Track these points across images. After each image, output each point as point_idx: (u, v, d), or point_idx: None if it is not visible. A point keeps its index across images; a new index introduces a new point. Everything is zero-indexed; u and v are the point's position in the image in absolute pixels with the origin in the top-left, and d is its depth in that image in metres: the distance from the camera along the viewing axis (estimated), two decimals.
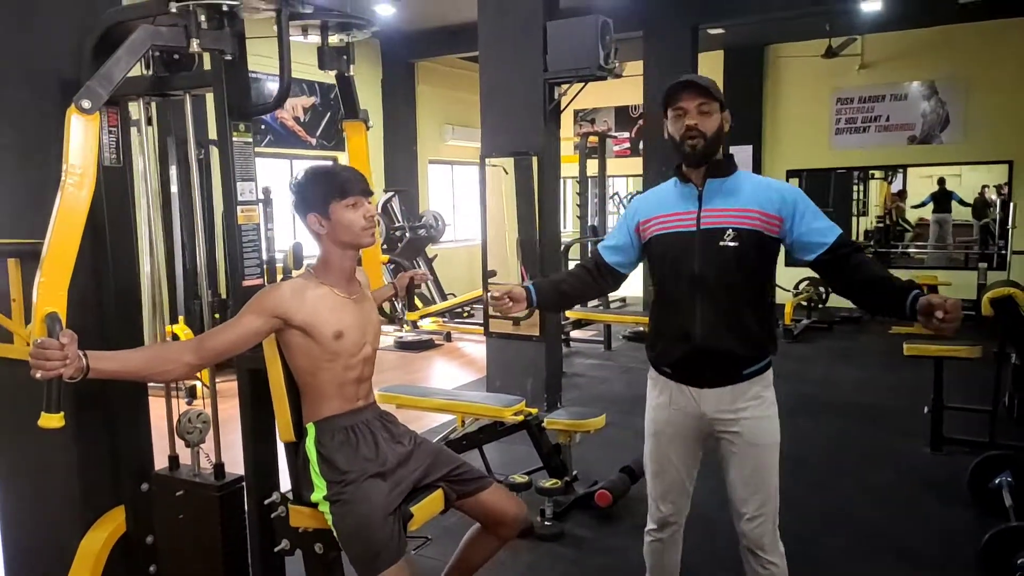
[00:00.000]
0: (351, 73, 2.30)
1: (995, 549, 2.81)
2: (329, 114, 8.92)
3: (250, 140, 2.10)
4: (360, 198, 2.01)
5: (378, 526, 1.88)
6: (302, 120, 8.55)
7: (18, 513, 2.68)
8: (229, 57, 1.94)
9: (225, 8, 1.86)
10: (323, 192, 1.98)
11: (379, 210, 8.55)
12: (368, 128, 2.48)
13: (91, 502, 2.49)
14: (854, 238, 11.01)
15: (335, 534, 1.95)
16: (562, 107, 5.23)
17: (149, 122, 2.47)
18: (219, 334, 1.90)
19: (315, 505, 1.98)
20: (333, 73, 2.33)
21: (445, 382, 6.58)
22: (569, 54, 4.87)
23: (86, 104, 1.74)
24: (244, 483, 2.30)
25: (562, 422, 3.66)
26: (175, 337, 2.57)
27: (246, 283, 2.12)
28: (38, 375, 1.60)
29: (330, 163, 2.00)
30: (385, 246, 8.40)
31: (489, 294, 2.18)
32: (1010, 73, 8.84)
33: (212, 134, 2.19)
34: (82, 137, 1.76)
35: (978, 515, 3.42)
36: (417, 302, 8.52)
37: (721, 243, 2.00)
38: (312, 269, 2.05)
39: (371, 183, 2.15)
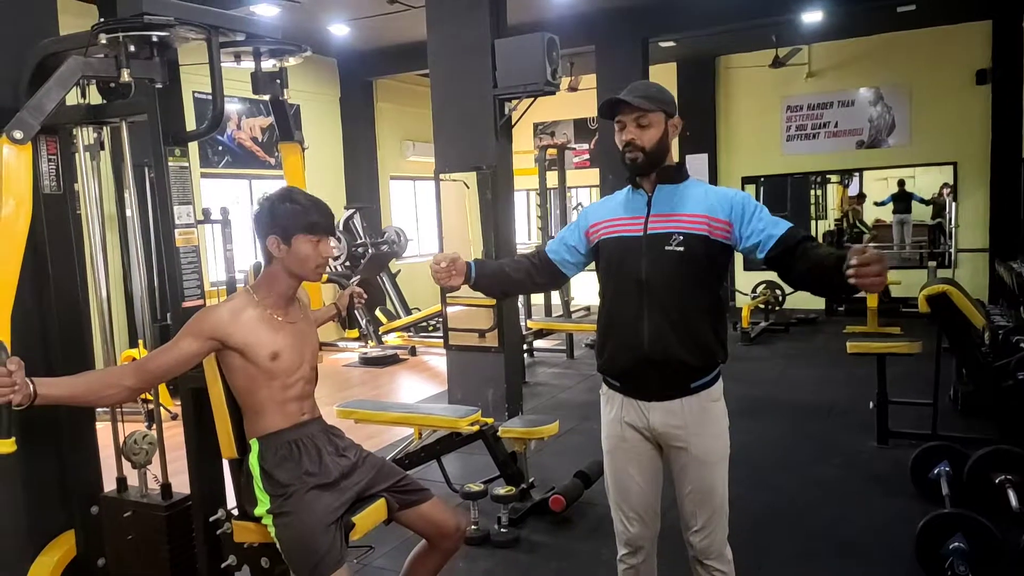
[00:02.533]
0: (284, 97, 2.36)
1: (929, 536, 2.91)
2: None
3: (186, 164, 2.15)
4: (324, 237, 2.05)
5: (319, 536, 1.92)
6: (259, 140, 8.55)
7: None
8: (160, 85, 1.99)
9: (154, 39, 1.91)
10: (292, 221, 2.00)
11: (341, 227, 8.58)
12: (304, 149, 2.52)
13: (40, 526, 2.50)
14: None
15: (278, 546, 1.99)
16: (513, 122, 5.32)
17: (102, 146, 2.50)
18: (158, 357, 1.94)
19: (259, 519, 2.02)
20: (267, 97, 2.38)
21: (409, 396, 6.62)
22: (517, 70, 4.97)
23: (17, 135, 1.78)
24: (191, 502, 2.33)
25: (516, 430, 3.72)
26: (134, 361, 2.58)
27: (186, 304, 2.16)
28: None
29: (302, 192, 2.03)
30: (347, 263, 8.43)
31: (432, 261, 2.13)
32: (951, 77, 9.15)
33: None
34: (15, 166, 1.81)
35: (919, 504, 3.53)
36: (381, 317, 8.56)
37: (667, 248, 1.99)
38: (253, 287, 2.09)
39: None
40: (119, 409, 2.45)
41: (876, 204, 12.07)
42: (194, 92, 6.69)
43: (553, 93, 5.04)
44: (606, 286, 2.14)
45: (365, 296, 2.77)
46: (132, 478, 2.51)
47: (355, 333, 8.27)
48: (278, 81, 2.34)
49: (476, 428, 3.72)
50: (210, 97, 2.05)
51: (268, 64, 2.31)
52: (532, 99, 5.13)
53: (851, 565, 3.11)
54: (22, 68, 2.24)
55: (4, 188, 1.79)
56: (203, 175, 7.91)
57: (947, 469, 3.58)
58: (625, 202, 2.13)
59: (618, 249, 2.09)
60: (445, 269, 2.11)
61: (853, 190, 12.64)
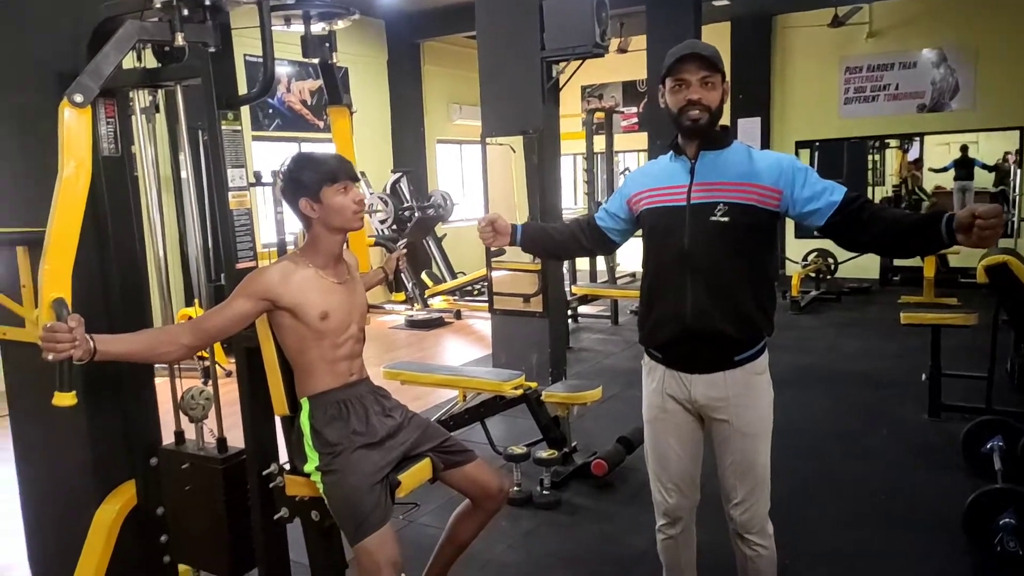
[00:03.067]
0: (333, 60, 2.37)
1: (978, 511, 2.87)
2: None
3: (239, 128, 2.19)
4: (349, 183, 2.08)
5: (364, 495, 1.98)
6: (309, 103, 8.63)
7: (36, 488, 2.82)
8: (213, 49, 2.02)
9: (207, 2, 1.94)
10: (314, 177, 2.05)
11: (387, 190, 8.64)
12: (352, 113, 2.54)
13: (103, 476, 2.61)
14: None
15: (326, 502, 2.05)
16: (560, 85, 5.26)
17: (157, 109, 2.56)
18: (212, 317, 2.00)
19: (308, 475, 2.09)
20: (317, 60, 2.40)
21: (454, 359, 6.70)
22: (565, 32, 4.90)
23: (78, 98, 1.83)
24: (245, 456, 2.41)
25: (559, 395, 3.75)
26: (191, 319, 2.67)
27: (239, 266, 2.21)
28: (50, 357, 1.72)
29: (313, 152, 2.09)
30: (394, 226, 8.50)
31: (477, 222, 2.23)
32: (1019, 39, 8.72)
33: None
34: (76, 129, 1.86)
35: (969, 479, 3.48)
36: (427, 280, 8.64)
37: (712, 218, 1.94)
38: (300, 251, 2.14)
39: (356, 166, 2.23)
40: (177, 365, 2.53)
41: (934, 170, 11.66)
42: (245, 55, 6.75)
43: (602, 55, 4.96)
44: (649, 256, 2.11)
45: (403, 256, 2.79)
46: (189, 432, 2.60)
47: (402, 296, 8.37)
48: (327, 44, 2.35)
49: (520, 392, 3.76)
50: (261, 60, 2.08)
51: (317, 27, 2.31)
52: (580, 61, 5.06)
53: (897, 537, 3.08)
54: (79, 33, 2.28)
55: (65, 151, 1.85)
56: (254, 138, 8.03)
57: (1000, 444, 3.50)
58: (667, 170, 2.08)
59: (661, 219, 2.04)
60: (487, 229, 2.21)
61: (913, 155, 12.22)
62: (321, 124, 8.73)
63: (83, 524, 2.59)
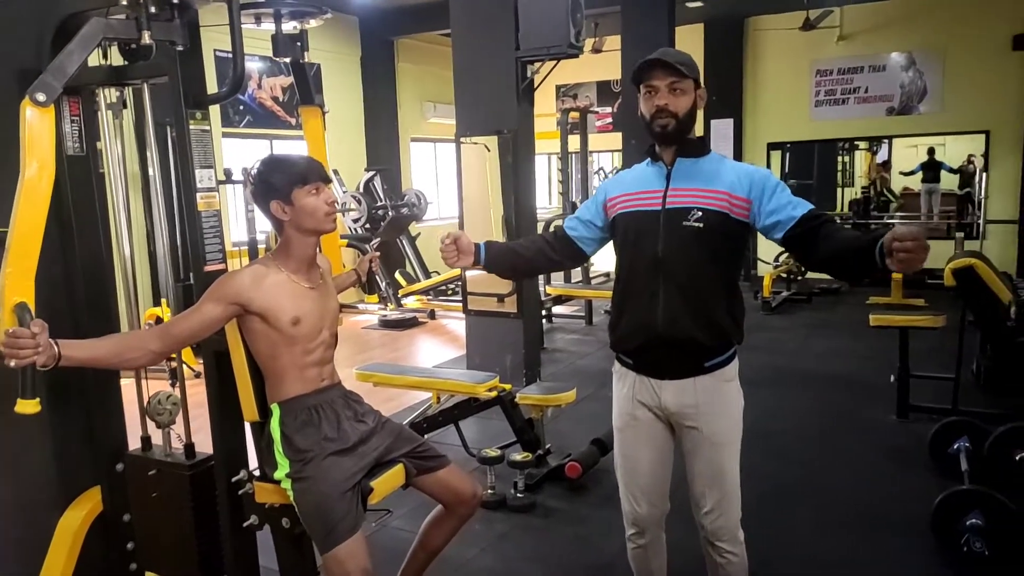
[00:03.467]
0: (305, 60, 2.33)
1: (946, 512, 2.91)
2: None
3: (207, 127, 2.14)
4: (321, 184, 2.05)
5: (335, 502, 1.95)
6: (280, 100, 8.53)
7: (1, 492, 2.74)
8: (181, 48, 1.98)
9: (175, 0, 1.89)
10: (285, 179, 2.02)
11: (361, 189, 8.57)
12: (324, 113, 2.50)
13: (68, 482, 2.55)
14: (839, 210, 11.12)
15: (296, 509, 2.02)
16: (535, 85, 5.25)
17: (124, 105, 2.50)
18: (181, 322, 1.96)
19: (278, 482, 2.05)
20: (288, 60, 2.36)
21: (428, 359, 6.66)
22: (540, 32, 4.88)
23: (40, 97, 1.78)
24: (213, 462, 2.36)
25: (533, 397, 3.74)
26: (158, 319, 2.61)
27: (208, 268, 2.16)
28: (12, 363, 1.67)
29: (284, 154, 2.06)
30: (367, 225, 8.43)
31: (440, 240, 2.14)
32: (986, 43, 8.89)
33: None
34: (38, 128, 1.81)
35: (937, 480, 3.53)
36: (400, 280, 8.59)
37: (685, 223, 1.94)
38: (272, 255, 2.10)
39: (327, 167, 2.20)
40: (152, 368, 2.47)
41: (904, 173, 11.85)
42: (215, 50, 6.65)
43: (577, 56, 4.95)
44: (622, 261, 2.11)
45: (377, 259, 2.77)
46: (156, 437, 2.55)
47: (375, 299, 8.33)
48: (298, 44, 2.31)
49: (494, 394, 3.74)
50: (231, 56, 2.04)
51: (289, 26, 2.27)
52: (555, 62, 5.05)
53: (866, 539, 3.11)
54: (44, 28, 2.22)
55: (27, 150, 1.79)
56: (224, 135, 7.92)
57: (967, 445, 3.56)
58: (643, 175, 2.08)
59: (635, 223, 2.04)
60: (449, 247, 2.11)
61: (881, 157, 12.42)
62: (293, 121, 8.64)
63: (47, 531, 2.52)
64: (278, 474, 2.04)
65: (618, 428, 2.17)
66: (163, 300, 5.27)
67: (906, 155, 12.05)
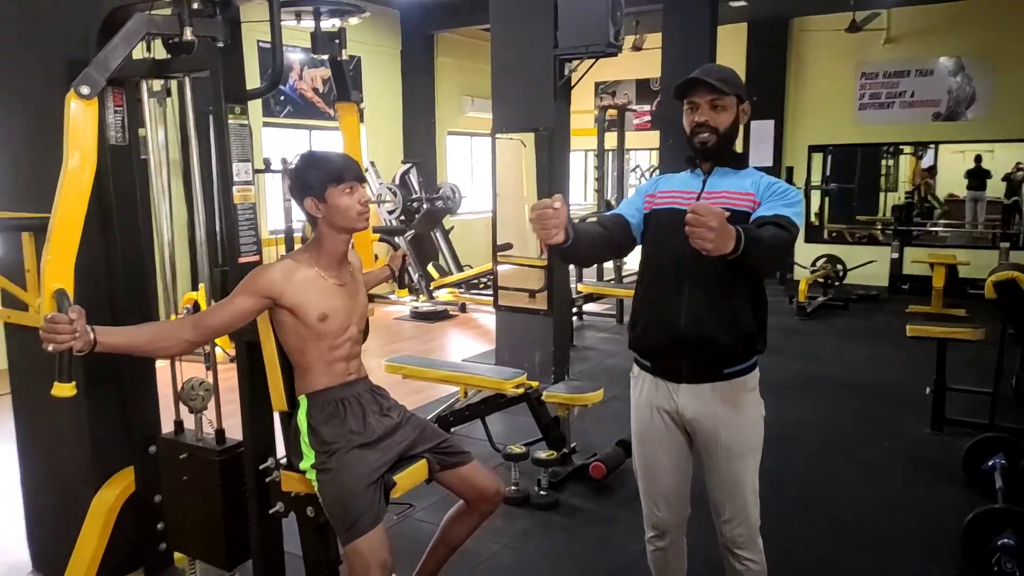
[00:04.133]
0: (343, 57, 2.36)
1: (977, 530, 2.85)
2: None
3: (246, 122, 2.18)
4: (355, 183, 2.08)
5: (358, 495, 1.98)
6: (320, 91, 8.62)
7: (35, 470, 2.84)
8: (221, 44, 2.02)
9: None
10: (320, 177, 2.05)
11: (396, 181, 8.64)
12: (361, 110, 2.53)
13: (102, 462, 2.64)
14: (881, 215, 10.89)
15: (320, 500, 2.06)
16: (572, 84, 5.24)
17: (168, 93, 2.56)
18: (214, 313, 2.01)
19: (304, 472, 2.09)
20: (327, 56, 2.39)
21: (458, 352, 6.70)
22: (579, 30, 4.86)
23: (84, 90, 1.83)
24: (243, 449, 2.42)
25: (560, 395, 3.75)
26: (196, 304, 2.65)
27: (242, 260, 2.21)
28: (50, 348, 1.72)
29: (322, 151, 2.10)
30: (402, 217, 8.50)
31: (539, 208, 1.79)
32: None
33: None
34: (82, 121, 1.86)
35: (969, 496, 3.45)
36: (433, 272, 8.64)
37: None
38: (304, 250, 2.14)
39: (362, 163, 2.22)
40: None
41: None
42: (258, 41, 6.74)
43: (615, 55, 4.93)
44: (648, 258, 2.10)
45: (407, 256, 2.80)
46: (188, 422, 2.62)
47: (405, 292, 8.39)
48: (337, 41, 2.34)
49: (521, 391, 3.76)
50: (270, 47, 2.07)
51: (328, 24, 2.30)
52: (593, 60, 5.03)
53: (893, 553, 3.07)
54: (90, 22, 2.29)
55: (71, 142, 1.85)
56: (264, 124, 8.03)
57: (1002, 462, 3.48)
58: (683, 180, 2.11)
59: (667, 220, 2.03)
60: (551, 216, 1.78)
61: (927, 163, 12.13)
62: (332, 113, 8.71)
63: (81, 508, 2.61)
64: (303, 464, 2.08)
65: (636, 434, 2.17)
66: (201, 286, 5.37)
67: (952, 161, 11.75)
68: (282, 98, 8.22)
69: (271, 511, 2.26)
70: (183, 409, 2.59)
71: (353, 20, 2.32)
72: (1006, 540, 2.76)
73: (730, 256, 1.65)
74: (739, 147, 2.12)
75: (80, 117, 1.85)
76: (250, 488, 2.34)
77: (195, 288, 6.67)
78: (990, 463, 3.52)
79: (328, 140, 8.85)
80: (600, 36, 4.80)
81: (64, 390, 1.79)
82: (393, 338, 7.18)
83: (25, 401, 2.79)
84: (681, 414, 2.04)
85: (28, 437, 2.83)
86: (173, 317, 2.62)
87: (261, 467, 2.27)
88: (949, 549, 2.96)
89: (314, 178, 2.05)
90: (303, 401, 2.12)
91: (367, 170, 8.67)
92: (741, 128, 2.07)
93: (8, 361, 2.82)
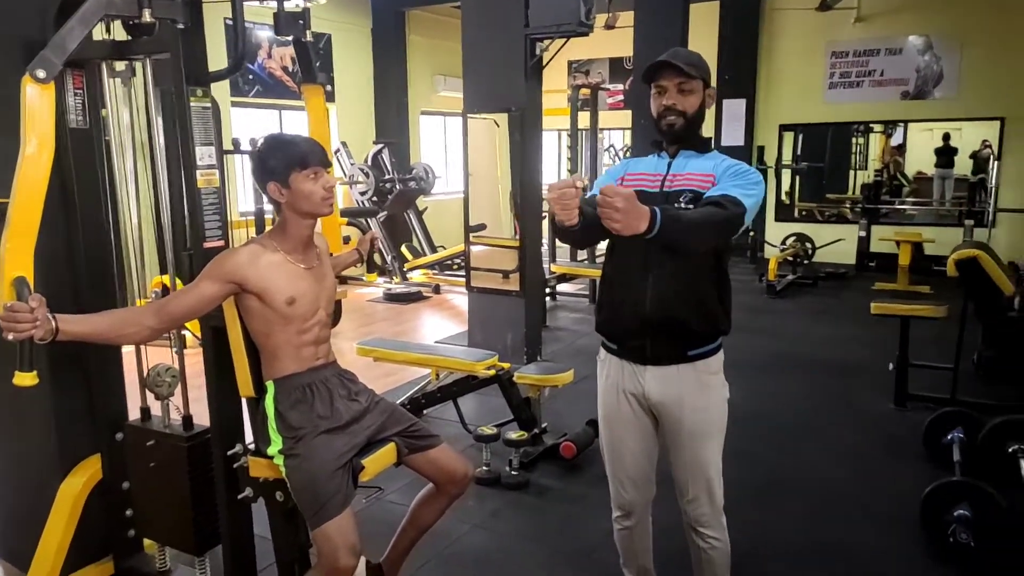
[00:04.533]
0: (308, 38, 2.33)
1: (934, 502, 2.93)
2: (318, 63, 8.85)
3: (208, 105, 2.16)
4: (320, 168, 2.06)
5: (325, 480, 1.99)
6: (290, 70, 8.49)
7: (1, 461, 2.81)
8: (181, 26, 1.98)
9: None
10: (283, 162, 2.03)
11: (369, 162, 8.57)
12: (328, 91, 2.50)
13: (69, 450, 2.61)
14: (851, 193, 11.04)
15: (288, 485, 2.07)
16: (544, 63, 5.22)
17: (133, 72, 2.50)
18: (178, 299, 1.99)
19: (272, 458, 2.10)
20: (290, 37, 2.36)
21: (431, 334, 6.71)
22: (550, 9, 4.84)
23: (40, 73, 1.79)
24: (210, 435, 2.41)
25: (531, 377, 3.78)
26: (165, 288, 2.60)
27: (207, 245, 2.19)
28: (10, 337, 1.70)
29: (287, 134, 2.07)
30: (375, 198, 8.45)
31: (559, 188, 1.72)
32: (1005, 28, 8.76)
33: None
34: (38, 105, 1.82)
35: (929, 470, 3.54)
36: (406, 254, 8.61)
37: (676, 205, 1.95)
38: (269, 234, 2.12)
39: (329, 147, 2.20)
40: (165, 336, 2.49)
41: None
42: (225, 19, 6.62)
43: (586, 34, 4.91)
44: (614, 241, 2.12)
45: (377, 240, 2.79)
46: (155, 408, 2.60)
47: (374, 277, 8.36)
48: (301, 22, 2.31)
49: (492, 372, 3.78)
50: (248, 25, 2.04)
51: (291, 4, 2.27)
52: (565, 40, 5.01)
53: (852, 529, 3.14)
54: (47, 1, 2.23)
55: (27, 127, 1.81)
56: (233, 104, 7.91)
57: (961, 436, 3.58)
58: (649, 162, 2.12)
59: None
60: (573, 196, 1.71)
61: (896, 141, 12.28)
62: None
63: (48, 496, 2.59)
64: (271, 450, 2.08)
65: (603, 416, 2.21)
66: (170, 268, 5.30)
67: (922, 139, 11.93)
68: (251, 77, 8.09)
69: (239, 496, 2.27)
70: (149, 396, 2.57)
71: (317, 1, 2.29)
72: (962, 512, 2.84)
73: (645, 236, 1.67)
74: (707, 131, 2.14)
75: (36, 101, 1.81)
76: (218, 474, 2.34)
77: (163, 272, 6.62)
78: (949, 437, 3.61)
79: (298, 120, 8.74)
80: (571, 15, 4.78)
81: (25, 379, 1.77)
82: (366, 320, 7.16)
83: None
84: (647, 397, 2.08)
85: None
86: (141, 302, 2.59)
87: (229, 453, 2.27)
88: (907, 523, 3.05)
89: (277, 162, 2.03)
90: (270, 386, 2.12)
91: (338, 151, 8.59)
92: (707, 112, 2.10)
93: None
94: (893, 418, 4.38)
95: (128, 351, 2.56)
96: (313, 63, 2.41)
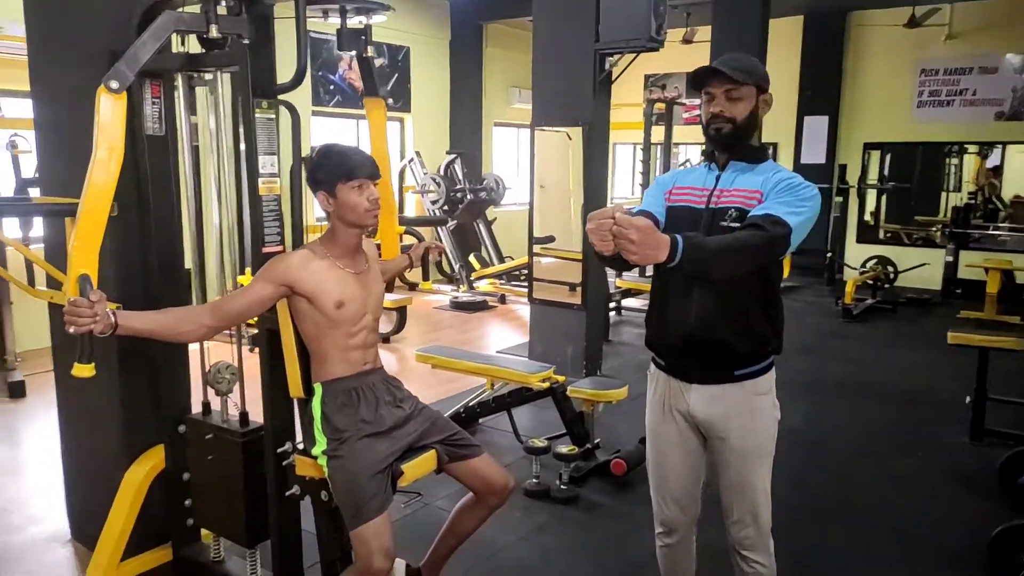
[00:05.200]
0: (368, 54, 2.40)
1: (1002, 545, 2.78)
2: (396, 75, 9.09)
3: (272, 116, 2.25)
4: (366, 181, 2.11)
5: (365, 483, 2.04)
6: None
7: (75, 447, 2.99)
8: (247, 41, 2.08)
9: None
10: (331, 172, 2.10)
11: (441, 171, 8.71)
12: (388, 105, 2.57)
13: (135, 439, 2.76)
14: (942, 215, 10.52)
15: (329, 485, 2.12)
16: (614, 77, 5.21)
17: (206, 84, 2.62)
18: (233, 299, 2.08)
19: (316, 458, 2.16)
20: (353, 53, 2.44)
21: (494, 344, 6.75)
22: (621, 24, 4.83)
23: (113, 84, 1.91)
24: (264, 432, 2.49)
25: (585, 391, 3.76)
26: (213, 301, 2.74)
27: (265, 250, 2.28)
28: (71, 330, 1.81)
29: (339, 144, 2.14)
30: (446, 207, 8.57)
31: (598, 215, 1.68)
32: None
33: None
34: (110, 114, 1.94)
35: (1002, 510, 3.35)
36: (474, 263, 8.71)
37: (722, 223, 1.91)
38: (320, 241, 2.20)
39: (386, 159, 2.26)
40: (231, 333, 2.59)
41: None
42: (312, 31, 6.86)
43: (656, 49, 4.88)
44: None
45: (442, 250, 2.82)
46: (215, 403, 2.71)
47: (429, 285, 8.46)
48: (363, 38, 2.39)
49: (546, 385, 3.78)
50: (321, 38, 2.13)
51: (354, 20, 2.35)
52: (634, 55, 5.00)
53: (914, 564, 3.00)
54: (130, 16, 2.38)
55: (100, 134, 1.93)
56: (314, 113, 8.18)
57: None
58: (698, 174, 2.07)
59: (680, 219, 2.01)
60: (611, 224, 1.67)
61: (992, 163, 11.68)
62: None
63: (116, 482, 2.73)
64: (316, 450, 2.14)
65: (649, 430, 2.18)
66: (247, 270, 5.51)
67: (1020, 162, 11.30)
68: (331, 87, 8.36)
69: (287, 493, 2.34)
70: (210, 391, 2.69)
71: (378, 18, 2.36)
72: None
73: (665, 265, 1.64)
74: (784, 146, 2.05)
75: (109, 111, 1.93)
76: (269, 470, 2.42)
77: (242, 272, 6.89)
78: None
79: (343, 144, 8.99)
80: (642, 31, 4.76)
81: (83, 371, 1.88)
82: (432, 327, 7.27)
83: (66, 378, 2.92)
84: (693, 415, 2.04)
85: (68, 412, 2.97)
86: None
87: (279, 450, 2.35)
88: (972, 564, 2.90)
89: (326, 173, 2.10)
90: (318, 389, 2.18)
91: (412, 160, 8.77)
92: (762, 120, 2.01)
93: (52, 338, 2.95)
94: (967, 453, 4.16)
95: (193, 348, 2.69)
96: (375, 77, 2.48)
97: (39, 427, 4.40)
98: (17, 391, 4.89)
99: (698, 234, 1.80)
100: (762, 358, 2.01)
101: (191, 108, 2.53)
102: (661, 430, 2.12)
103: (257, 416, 2.61)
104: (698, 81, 1.97)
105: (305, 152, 2.34)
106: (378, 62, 8.82)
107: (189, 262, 2.74)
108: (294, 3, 2.07)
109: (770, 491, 2.06)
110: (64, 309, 1.79)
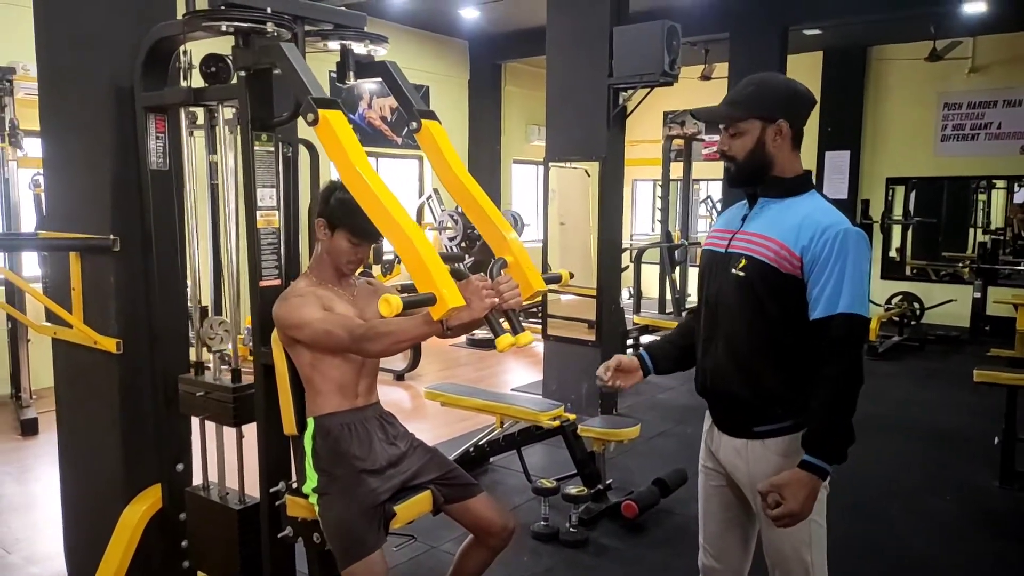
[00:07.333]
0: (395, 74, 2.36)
1: None
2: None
3: (272, 149, 2.23)
4: (364, 244, 2.17)
5: (356, 521, 1.97)
6: (388, 120, 8.81)
7: (74, 485, 2.94)
8: (243, 74, 2.08)
9: (233, 28, 2.01)
10: (341, 214, 2.11)
11: (459, 208, 8.72)
12: (406, 144, 2.54)
13: (133, 478, 2.71)
14: (970, 251, 10.30)
15: (320, 524, 2.06)
16: (629, 111, 5.20)
17: (210, 118, 2.62)
18: (350, 320, 2.11)
19: (307, 496, 2.10)
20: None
21: (509, 381, 6.66)
22: (634, 59, 4.85)
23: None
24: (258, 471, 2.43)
25: (595, 430, 3.66)
26: None
27: (263, 283, 2.24)
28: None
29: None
30: (463, 244, 8.57)
31: (597, 375, 2.01)
32: None
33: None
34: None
35: None
36: None
37: (732, 270, 1.79)
38: (310, 271, 2.22)
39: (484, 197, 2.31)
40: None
41: None
42: (330, 72, 6.95)
43: (670, 84, 4.88)
44: (697, 301, 2.01)
45: None
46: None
47: None
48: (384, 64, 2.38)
49: (556, 424, 3.69)
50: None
51: (361, 48, 2.35)
52: (648, 90, 4.99)
53: None
54: (136, 53, 2.40)
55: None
56: None
57: None
58: (733, 213, 1.95)
59: (705, 262, 1.95)
60: (612, 377, 1.99)
61: (1020, 198, 11.48)
62: (399, 140, 8.90)
63: (112, 520, 2.68)
64: (307, 487, 2.09)
65: (700, 464, 2.06)
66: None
67: None
68: (352, 126, 8.44)
69: (279, 536, 2.27)
70: (211, 458, 2.63)
71: (379, 48, 2.36)
72: None
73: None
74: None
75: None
76: (263, 511, 2.35)
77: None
78: None
79: (394, 167, 9.04)
80: (655, 65, 4.77)
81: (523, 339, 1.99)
82: (448, 364, 7.20)
83: (67, 415, 2.90)
84: (723, 464, 1.92)
85: (68, 450, 2.93)
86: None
87: (272, 490, 2.29)
88: None
89: (339, 216, 2.12)
90: (310, 423, 2.14)
91: (429, 198, 8.81)
92: (784, 149, 1.80)
93: (55, 376, 2.93)
94: (995, 496, 3.99)
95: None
96: (414, 94, 2.45)
97: (48, 465, 4.37)
98: (30, 428, 4.90)
99: (815, 434, 1.73)
100: (784, 418, 1.80)
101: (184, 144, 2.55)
102: (704, 472, 2.02)
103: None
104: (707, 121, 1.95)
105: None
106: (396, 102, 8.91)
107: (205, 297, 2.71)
108: (294, 42, 2.08)
109: (821, 565, 1.87)
110: (483, 292, 1.92)
